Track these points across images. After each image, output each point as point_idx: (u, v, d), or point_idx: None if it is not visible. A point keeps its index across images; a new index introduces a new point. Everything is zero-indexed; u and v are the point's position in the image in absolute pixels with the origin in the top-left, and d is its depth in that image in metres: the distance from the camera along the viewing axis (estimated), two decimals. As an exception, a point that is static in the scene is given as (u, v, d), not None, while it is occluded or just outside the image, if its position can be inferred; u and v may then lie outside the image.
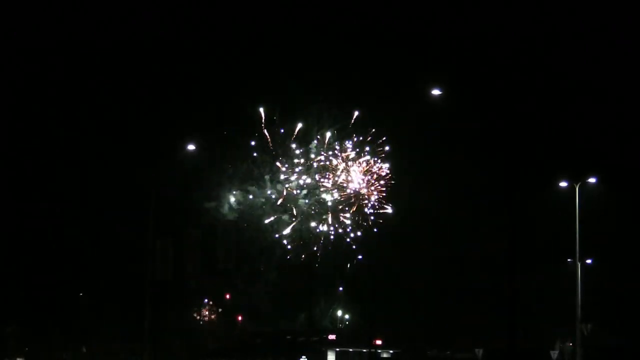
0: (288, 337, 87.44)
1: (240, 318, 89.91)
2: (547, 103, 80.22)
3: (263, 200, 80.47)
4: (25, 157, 71.71)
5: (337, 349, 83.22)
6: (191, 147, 60.44)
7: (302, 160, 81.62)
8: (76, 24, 75.04)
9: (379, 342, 79.99)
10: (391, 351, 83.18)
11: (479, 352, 67.09)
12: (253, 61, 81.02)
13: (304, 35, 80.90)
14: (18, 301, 70.61)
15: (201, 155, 69.32)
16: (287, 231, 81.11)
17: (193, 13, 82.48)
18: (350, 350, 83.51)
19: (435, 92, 62.33)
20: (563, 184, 59.95)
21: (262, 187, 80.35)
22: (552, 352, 62.72)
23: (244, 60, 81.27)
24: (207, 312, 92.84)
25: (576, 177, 59.49)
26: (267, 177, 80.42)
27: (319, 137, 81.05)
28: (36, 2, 73.95)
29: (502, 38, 79.80)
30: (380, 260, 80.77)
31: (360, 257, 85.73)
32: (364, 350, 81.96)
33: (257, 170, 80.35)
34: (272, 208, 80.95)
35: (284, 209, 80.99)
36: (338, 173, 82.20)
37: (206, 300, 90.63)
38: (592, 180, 59.72)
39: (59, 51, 74.80)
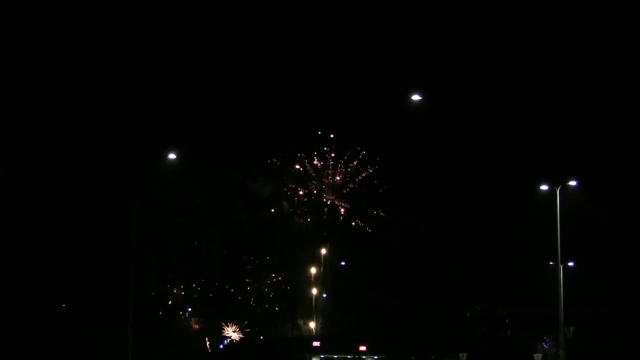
0: (272, 344, 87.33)
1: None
2: (527, 106, 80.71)
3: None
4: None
5: (322, 356, 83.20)
6: (172, 156, 60.16)
7: None
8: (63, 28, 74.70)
9: (363, 348, 80.00)
10: (375, 357, 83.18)
11: (463, 356, 67.17)
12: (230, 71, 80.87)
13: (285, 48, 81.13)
14: None
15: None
16: None
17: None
18: (335, 357, 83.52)
19: (416, 97, 62.53)
20: (544, 187, 60.03)
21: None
22: (535, 355, 62.89)
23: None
24: (191, 322, 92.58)
25: (557, 180, 59.58)
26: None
27: None
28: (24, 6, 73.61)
29: (483, 43, 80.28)
30: (363, 266, 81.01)
31: (343, 263, 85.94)
32: (349, 357, 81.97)
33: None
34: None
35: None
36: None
37: (190, 310, 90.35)
38: (572, 183, 59.83)
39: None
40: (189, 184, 76.95)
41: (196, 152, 75.43)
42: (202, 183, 78.57)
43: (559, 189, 58.59)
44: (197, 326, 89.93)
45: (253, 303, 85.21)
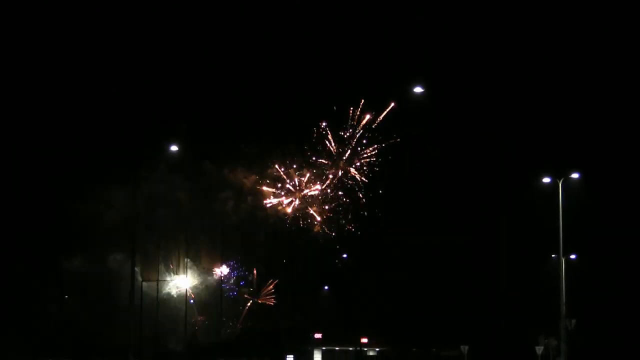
0: (274, 335, 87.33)
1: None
2: (530, 99, 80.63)
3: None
4: None
5: (324, 348, 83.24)
6: (174, 148, 60.30)
7: None
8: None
9: (364, 340, 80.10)
10: (377, 349, 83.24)
11: (465, 349, 67.16)
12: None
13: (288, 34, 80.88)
14: None
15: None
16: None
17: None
18: (337, 348, 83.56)
19: (418, 89, 62.63)
20: (546, 179, 59.97)
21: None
22: (537, 348, 62.83)
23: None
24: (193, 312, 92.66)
25: (559, 172, 59.50)
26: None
27: None
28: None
29: (487, 35, 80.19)
30: (365, 258, 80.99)
31: (345, 255, 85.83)
32: (350, 349, 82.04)
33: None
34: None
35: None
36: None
37: (192, 301, 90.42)
38: (575, 175, 59.76)
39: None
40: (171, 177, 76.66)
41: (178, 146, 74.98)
42: (184, 175, 78.27)
43: (561, 181, 58.53)
44: (197, 319, 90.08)
45: (250, 296, 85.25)
